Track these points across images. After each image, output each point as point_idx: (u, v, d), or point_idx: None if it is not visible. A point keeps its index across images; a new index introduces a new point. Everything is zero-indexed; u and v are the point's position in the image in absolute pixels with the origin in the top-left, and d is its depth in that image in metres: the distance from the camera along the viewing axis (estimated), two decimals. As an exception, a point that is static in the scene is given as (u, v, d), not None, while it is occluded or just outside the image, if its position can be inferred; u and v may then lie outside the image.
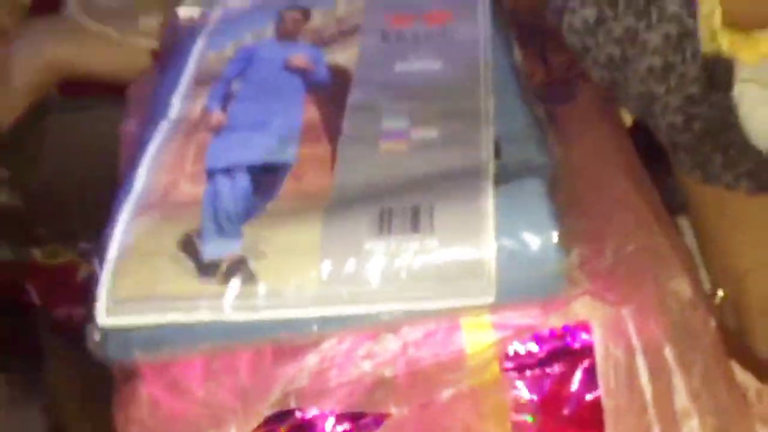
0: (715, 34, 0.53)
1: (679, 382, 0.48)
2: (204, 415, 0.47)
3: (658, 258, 0.51)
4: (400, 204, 0.46)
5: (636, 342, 0.48)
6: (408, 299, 0.46)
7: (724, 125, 0.57)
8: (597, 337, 0.48)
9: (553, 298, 0.46)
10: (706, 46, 0.54)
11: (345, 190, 0.49)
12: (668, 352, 0.48)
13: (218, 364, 0.48)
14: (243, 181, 0.50)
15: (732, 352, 0.54)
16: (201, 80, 0.59)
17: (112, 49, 0.76)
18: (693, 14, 0.52)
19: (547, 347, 0.49)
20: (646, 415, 0.47)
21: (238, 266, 0.46)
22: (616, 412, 0.47)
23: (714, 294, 0.59)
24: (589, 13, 0.55)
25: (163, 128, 0.55)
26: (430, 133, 0.52)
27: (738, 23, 0.53)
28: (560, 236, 0.45)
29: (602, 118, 0.59)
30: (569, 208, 0.49)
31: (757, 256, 0.57)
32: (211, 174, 0.51)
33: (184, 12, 0.66)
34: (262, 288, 0.45)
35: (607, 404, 0.48)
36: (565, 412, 0.50)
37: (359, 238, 0.45)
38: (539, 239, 0.45)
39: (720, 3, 0.52)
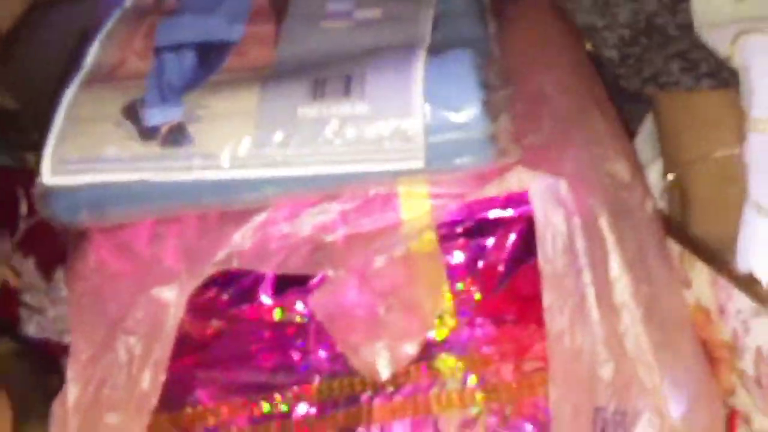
0: None
1: (613, 252, 0.49)
2: (149, 274, 0.50)
3: (596, 139, 0.52)
4: (335, 73, 0.48)
5: (573, 210, 0.49)
6: (341, 162, 0.47)
7: (680, 36, 0.58)
8: (535, 205, 0.49)
9: (483, 165, 0.48)
10: None
11: (285, 63, 0.50)
12: (604, 223, 0.50)
13: (165, 227, 0.50)
14: (189, 57, 0.52)
15: (672, 231, 0.56)
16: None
17: None
18: None
19: (481, 217, 0.51)
20: (581, 279, 0.49)
21: (177, 130, 0.48)
22: (554, 276, 0.49)
23: (665, 179, 0.61)
24: None
25: (116, 14, 0.57)
26: (373, 13, 0.53)
27: None
28: (487, 104, 0.47)
29: (551, 15, 0.60)
30: (507, 84, 0.51)
31: (700, 148, 0.58)
32: (158, 51, 0.52)
33: None
34: (198, 150, 0.47)
35: (545, 269, 0.49)
36: (501, 279, 0.52)
37: (293, 102, 0.47)
38: (464, 105, 0.46)
39: None
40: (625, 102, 0.64)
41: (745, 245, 0.51)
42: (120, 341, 0.49)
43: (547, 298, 0.49)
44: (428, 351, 0.53)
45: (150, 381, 0.49)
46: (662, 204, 0.62)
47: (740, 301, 0.50)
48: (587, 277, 0.48)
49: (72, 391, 0.48)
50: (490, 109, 0.47)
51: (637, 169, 0.55)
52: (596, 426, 0.47)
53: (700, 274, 0.53)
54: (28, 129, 0.70)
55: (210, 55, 0.52)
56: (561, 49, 0.56)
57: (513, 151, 0.48)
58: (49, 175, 0.47)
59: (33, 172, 0.70)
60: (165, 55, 0.52)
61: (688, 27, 0.58)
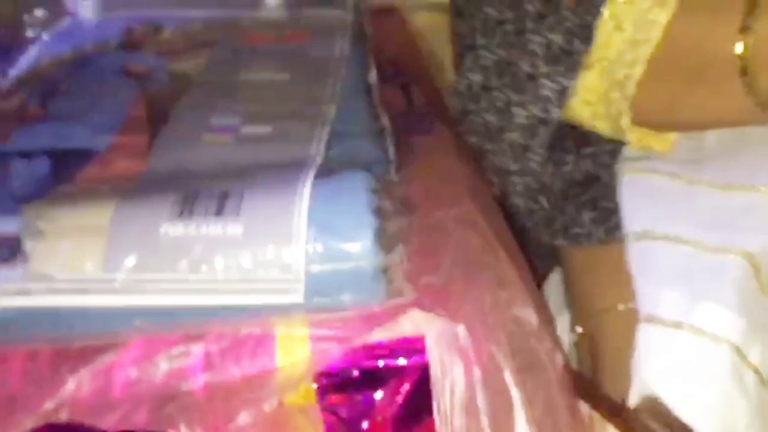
0: (621, 130, 0.53)
1: (519, 409, 0.43)
2: (-46, 427, 0.40)
3: (501, 282, 0.47)
4: (209, 188, 0.42)
5: (473, 360, 0.43)
6: (208, 292, 0.40)
7: (593, 182, 0.56)
8: (431, 353, 0.43)
9: (373, 304, 0.42)
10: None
11: (154, 176, 0.44)
12: (509, 376, 0.43)
13: (-18, 367, 0.41)
14: (41, 165, 0.45)
15: (582, 390, 0.51)
16: (26, 80, 0.55)
17: None
18: (561, 105, 0.52)
19: (368, 365, 0.44)
20: (483, 443, 0.42)
21: (10, 246, 0.40)
22: None
23: (574, 332, 0.56)
24: (476, 78, 0.54)
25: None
26: (262, 129, 0.48)
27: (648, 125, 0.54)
28: (380, 234, 0.41)
29: (456, 151, 0.57)
30: (405, 214, 0.46)
31: (610, 297, 0.55)
32: (4, 157, 0.45)
33: (27, 25, 0.62)
34: (34, 269, 0.39)
35: (441, 429, 0.42)
36: (391, 442, 0.44)
37: (155, 219, 0.40)
38: (354, 233, 0.40)
39: (631, 107, 0.52)
40: (532, 255, 0.61)
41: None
42: None
43: (445, 465, 0.42)
44: None
45: None
46: (571, 360, 0.58)
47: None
48: (490, 440, 0.42)
49: None
50: (384, 240, 0.41)
51: (546, 319, 0.50)
52: None
53: (611, 438, 0.47)
54: None
55: (66, 164, 0.45)
56: (467, 186, 0.52)
57: (407, 290, 0.42)
58: None
59: None
60: (13, 162, 0.45)
61: (595, 176, 0.57)
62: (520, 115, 0.54)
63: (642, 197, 0.54)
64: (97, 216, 0.41)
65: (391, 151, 0.48)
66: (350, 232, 0.41)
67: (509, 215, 0.60)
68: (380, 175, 0.44)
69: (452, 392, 0.42)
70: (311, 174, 0.42)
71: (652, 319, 0.50)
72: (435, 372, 0.42)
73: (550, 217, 0.57)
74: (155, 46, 0.59)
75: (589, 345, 0.56)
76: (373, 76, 0.57)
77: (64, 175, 0.44)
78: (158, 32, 0.62)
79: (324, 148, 0.46)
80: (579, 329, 0.56)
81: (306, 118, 0.49)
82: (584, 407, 0.48)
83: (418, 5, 0.74)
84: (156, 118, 0.50)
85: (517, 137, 0.54)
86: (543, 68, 0.52)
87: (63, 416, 0.41)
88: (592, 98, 0.54)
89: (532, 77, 0.53)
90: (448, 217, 0.47)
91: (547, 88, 0.52)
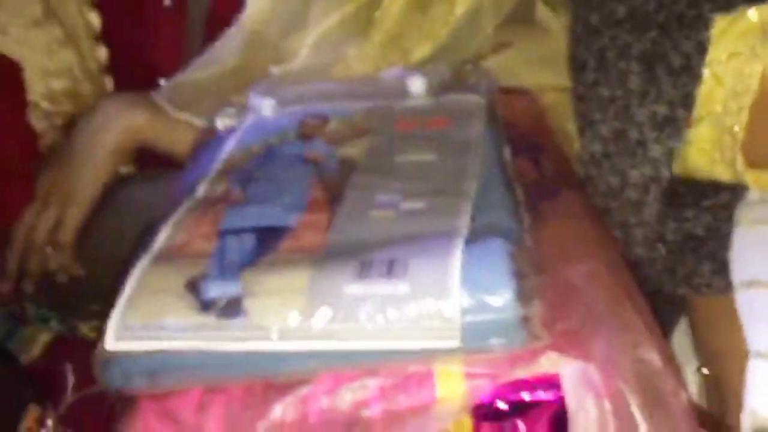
0: (737, 173, 0.60)
1: (647, 440, 0.50)
2: (192, 443, 0.52)
3: (626, 327, 0.55)
4: (380, 257, 0.53)
5: (603, 394, 0.51)
6: (382, 338, 0.51)
7: (713, 235, 0.63)
8: (567, 389, 0.51)
9: (515, 348, 0.51)
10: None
11: (335, 246, 0.55)
12: (636, 410, 0.51)
13: (211, 397, 0.53)
14: (249, 239, 0.57)
15: (708, 428, 0.57)
16: (227, 171, 0.69)
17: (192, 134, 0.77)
18: (669, 164, 0.59)
19: (515, 398, 0.53)
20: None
21: (233, 304, 0.52)
22: None
23: (700, 372, 0.62)
24: (597, 148, 0.63)
25: (186, 205, 0.63)
26: (417, 204, 0.59)
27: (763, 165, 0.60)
28: (518, 291, 0.50)
29: (583, 212, 0.66)
30: (539, 273, 0.55)
31: (732, 341, 0.60)
32: (222, 234, 0.58)
33: (221, 121, 0.76)
34: (250, 322, 0.51)
35: None
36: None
37: (340, 282, 0.51)
38: (498, 290, 0.50)
39: (743, 150, 0.59)
40: (660, 304, 0.68)
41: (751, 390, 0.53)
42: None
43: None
44: None
45: None
46: (700, 401, 0.63)
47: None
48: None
49: None
50: (522, 295, 0.50)
51: (670, 359, 0.56)
52: None
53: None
54: (88, 298, 0.74)
55: (267, 239, 0.57)
56: (592, 244, 0.60)
57: (543, 335, 0.51)
58: (112, 341, 0.51)
59: (83, 343, 0.73)
60: (228, 238, 0.58)
61: (715, 228, 0.63)
62: (635, 176, 0.62)
63: (752, 248, 0.60)
64: (297, 279, 0.52)
65: (525, 220, 0.58)
66: (494, 289, 0.50)
67: (635, 267, 0.67)
68: (516, 241, 0.54)
69: (586, 423, 0.50)
70: (461, 242, 0.53)
71: (761, 355, 0.56)
72: (571, 406, 0.50)
73: (670, 266, 0.64)
74: (324, 135, 0.72)
75: (715, 385, 0.61)
76: (507, 153, 0.67)
77: (267, 248, 0.56)
78: (326, 123, 0.74)
79: (469, 220, 0.56)
80: (705, 371, 0.62)
81: (452, 193, 0.60)
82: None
83: (546, 86, 0.83)
84: (330, 198, 0.62)
85: (633, 195, 0.62)
86: (650, 134, 0.60)
87: (274, 436, 0.52)
88: (707, 146, 0.61)
89: (641, 143, 0.61)
90: (577, 273, 0.56)
91: (656, 151, 0.60)
